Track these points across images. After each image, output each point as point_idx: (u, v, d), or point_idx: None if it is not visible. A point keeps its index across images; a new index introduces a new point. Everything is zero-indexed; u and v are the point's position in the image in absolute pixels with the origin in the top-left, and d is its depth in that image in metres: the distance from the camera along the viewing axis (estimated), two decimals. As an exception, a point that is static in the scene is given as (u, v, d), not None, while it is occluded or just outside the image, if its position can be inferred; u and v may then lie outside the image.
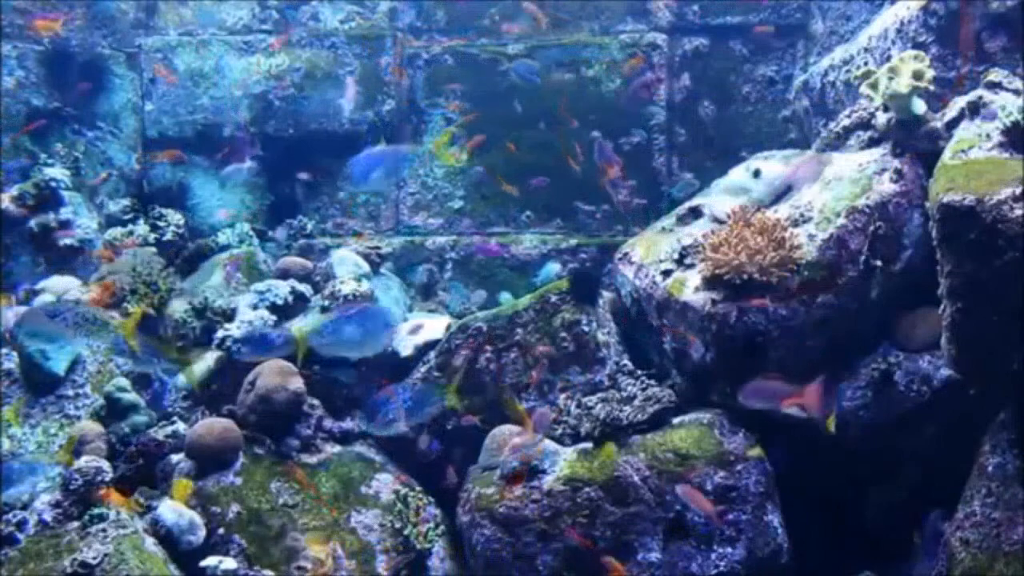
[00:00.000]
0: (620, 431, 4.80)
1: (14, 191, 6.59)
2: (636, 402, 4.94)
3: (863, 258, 4.67)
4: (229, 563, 4.76)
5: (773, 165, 5.25)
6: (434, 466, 5.41)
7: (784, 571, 4.65)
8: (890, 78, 4.86)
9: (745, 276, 4.59)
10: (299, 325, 5.68)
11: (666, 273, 4.98)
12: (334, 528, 5.11)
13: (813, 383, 4.11)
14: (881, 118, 5.08)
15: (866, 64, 5.40)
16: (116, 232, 6.74)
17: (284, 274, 6.10)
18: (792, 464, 4.74)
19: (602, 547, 4.61)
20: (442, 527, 5.12)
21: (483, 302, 6.71)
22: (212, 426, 5.21)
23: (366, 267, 6.17)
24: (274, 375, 5.32)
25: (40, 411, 5.26)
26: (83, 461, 4.82)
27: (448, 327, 5.63)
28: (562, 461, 4.81)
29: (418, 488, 5.30)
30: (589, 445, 4.86)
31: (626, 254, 5.45)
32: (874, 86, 4.95)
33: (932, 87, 4.80)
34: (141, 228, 6.74)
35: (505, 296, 6.60)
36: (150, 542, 4.71)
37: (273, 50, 6.96)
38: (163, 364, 5.29)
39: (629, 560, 4.61)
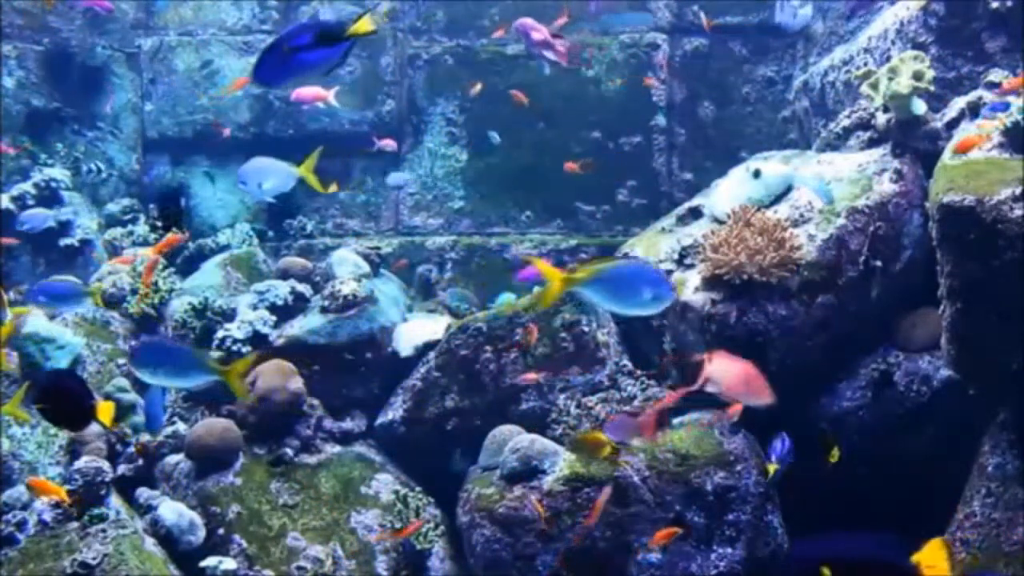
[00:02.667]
0: (670, 412, 4.78)
1: (14, 191, 6.60)
2: (636, 402, 4.94)
3: (863, 258, 4.67)
4: (229, 563, 4.76)
5: (773, 165, 5.25)
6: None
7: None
8: (890, 78, 4.86)
9: (745, 276, 4.59)
10: (299, 324, 5.69)
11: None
12: (334, 528, 5.11)
13: (648, 415, 4.40)
14: (881, 118, 5.09)
15: (866, 64, 5.40)
16: (116, 232, 6.74)
17: (284, 274, 6.10)
18: (792, 464, 4.74)
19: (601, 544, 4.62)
20: (442, 527, 5.12)
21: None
22: (212, 426, 5.21)
23: (366, 267, 6.17)
24: (274, 375, 5.32)
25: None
26: (83, 461, 4.81)
27: (448, 327, 5.63)
28: (562, 461, 4.81)
29: (418, 488, 5.30)
30: (589, 445, 4.86)
31: (626, 254, 5.45)
32: (874, 86, 4.95)
33: (932, 87, 4.81)
34: (141, 228, 6.74)
35: (504, 296, 6.60)
36: (150, 542, 4.71)
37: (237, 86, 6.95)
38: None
39: (629, 560, 4.61)
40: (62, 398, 3.43)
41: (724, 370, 3.77)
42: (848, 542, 2.92)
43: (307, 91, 6.19)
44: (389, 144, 6.98)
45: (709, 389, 3.77)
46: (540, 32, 5.28)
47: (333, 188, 3.68)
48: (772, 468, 4.28)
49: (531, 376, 5.22)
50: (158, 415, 5.10)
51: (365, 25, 2.82)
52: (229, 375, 3.61)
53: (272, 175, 4.26)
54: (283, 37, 2.88)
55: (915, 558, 2.49)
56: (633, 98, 7.16)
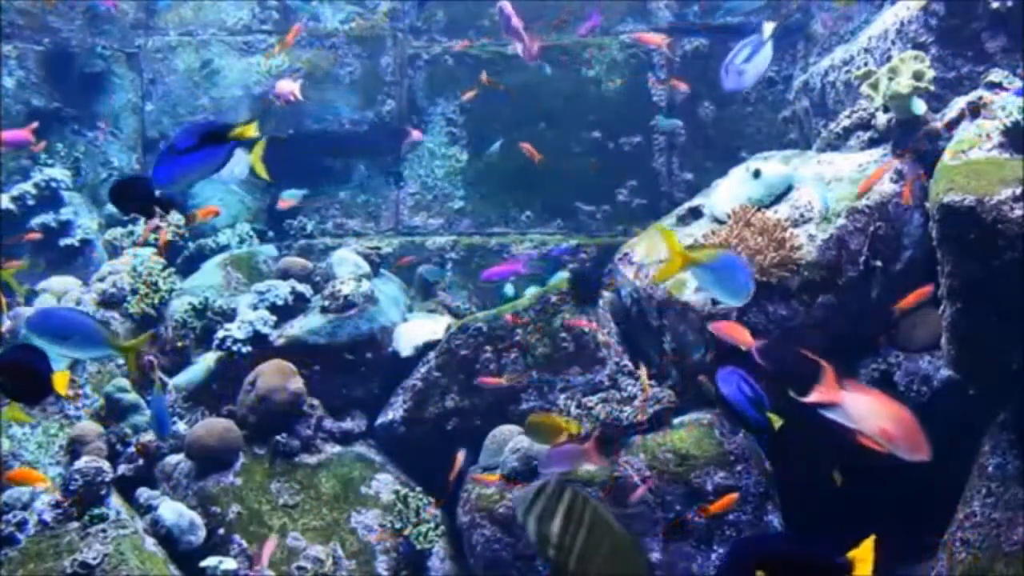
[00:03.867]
0: (620, 431, 4.80)
1: (14, 191, 6.60)
2: (636, 402, 4.94)
3: (863, 258, 4.67)
4: (229, 563, 4.76)
5: (773, 165, 5.25)
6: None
7: (784, 571, 4.64)
8: (890, 78, 4.86)
9: (745, 276, 4.59)
10: (299, 324, 5.69)
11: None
12: (334, 528, 5.11)
13: (589, 442, 4.34)
14: (881, 118, 5.09)
15: (866, 64, 5.40)
16: (116, 232, 6.74)
17: (284, 274, 6.10)
18: (792, 464, 4.74)
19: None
20: (442, 527, 5.12)
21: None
22: (212, 426, 5.21)
23: (366, 267, 6.17)
24: (274, 375, 5.33)
25: (40, 411, 5.25)
26: (83, 461, 4.81)
27: (448, 327, 5.63)
28: (562, 461, 4.81)
29: (418, 488, 5.30)
30: (589, 445, 4.86)
31: (626, 254, 5.45)
32: (874, 86, 4.95)
33: (932, 87, 4.81)
34: (141, 228, 6.74)
35: (509, 288, 6.60)
36: (150, 542, 4.71)
37: (286, 45, 6.96)
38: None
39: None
40: (19, 372, 3.39)
41: (870, 407, 3.26)
42: (783, 543, 2.92)
43: (282, 85, 6.37)
44: (417, 136, 7.00)
45: (836, 418, 3.30)
46: (518, 21, 5.43)
47: (265, 177, 3.82)
48: (776, 420, 4.05)
49: (492, 380, 5.20)
50: (165, 420, 5.09)
51: (249, 131, 3.04)
52: (125, 350, 3.66)
53: (236, 162, 4.35)
54: (171, 141, 3.05)
55: (848, 555, 2.49)
56: (633, 98, 7.17)
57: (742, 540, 4.39)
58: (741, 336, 4.14)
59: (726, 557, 3.88)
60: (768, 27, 4.38)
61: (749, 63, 4.29)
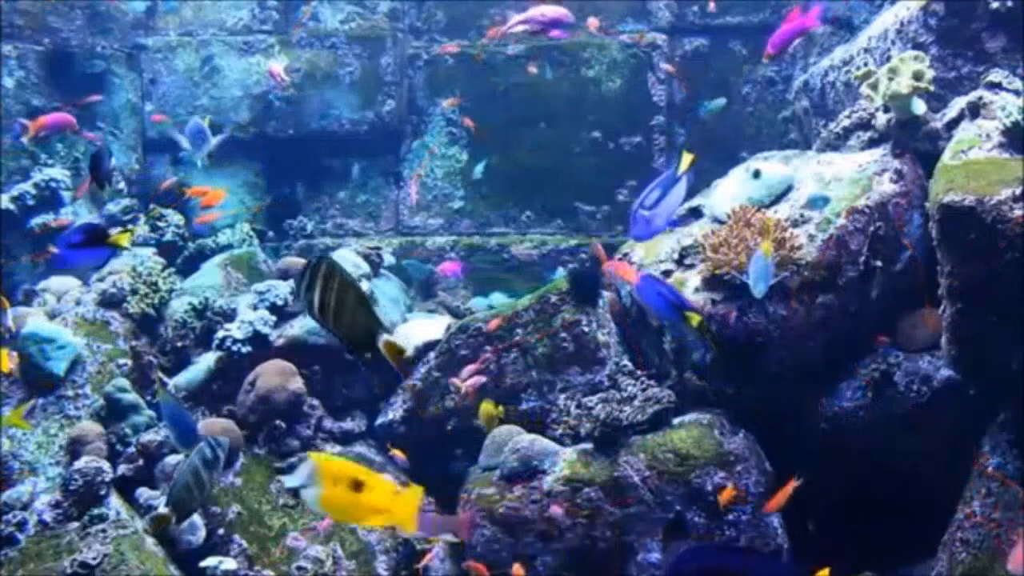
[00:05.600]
0: (620, 431, 4.80)
1: (14, 191, 6.59)
2: (636, 402, 4.93)
3: (863, 258, 4.67)
4: (229, 563, 4.77)
5: (773, 165, 5.25)
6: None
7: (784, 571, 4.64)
8: (890, 78, 4.86)
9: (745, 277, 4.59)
10: (299, 324, 5.69)
11: (666, 273, 4.98)
12: (334, 528, 5.11)
13: (465, 514, 4.60)
14: (881, 118, 5.09)
15: (866, 64, 5.39)
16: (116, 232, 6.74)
17: (284, 274, 6.10)
18: (792, 464, 4.74)
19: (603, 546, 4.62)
20: (442, 527, 5.12)
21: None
22: (212, 426, 5.21)
23: (366, 267, 6.17)
24: (274, 375, 5.33)
25: (40, 411, 5.25)
26: (83, 461, 4.82)
27: (448, 327, 5.63)
28: (562, 461, 4.81)
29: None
30: (589, 445, 4.86)
31: (626, 254, 5.45)
32: (874, 86, 4.95)
33: (932, 87, 4.81)
34: (141, 228, 6.74)
35: (496, 296, 6.61)
36: (150, 542, 4.72)
37: (294, 37, 7.00)
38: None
39: (629, 560, 4.61)
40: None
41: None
42: (728, 555, 2.92)
43: (272, 65, 6.74)
44: (468, 123, 7.09)
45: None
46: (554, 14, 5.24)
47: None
48: (697, 319, 4.16)
49: (468, 380, 5.21)
50: (188, 428, 4.65)
51: (122, 240, 3.76)
52: None
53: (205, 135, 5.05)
54: (65, 235, 3.76)
55: None
56: (633, 98, 7.17)
57: (687, 550, 4.40)
58: (628, 275, 4.30)
59: (669, 570, 3.86)
60: (685, 160, 4.26)
61: (659, 206, 4.09)
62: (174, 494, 3.89)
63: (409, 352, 5.67)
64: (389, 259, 6.76)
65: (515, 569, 4.44)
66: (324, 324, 2.72)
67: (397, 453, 5.20)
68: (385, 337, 2.76)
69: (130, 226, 3.70)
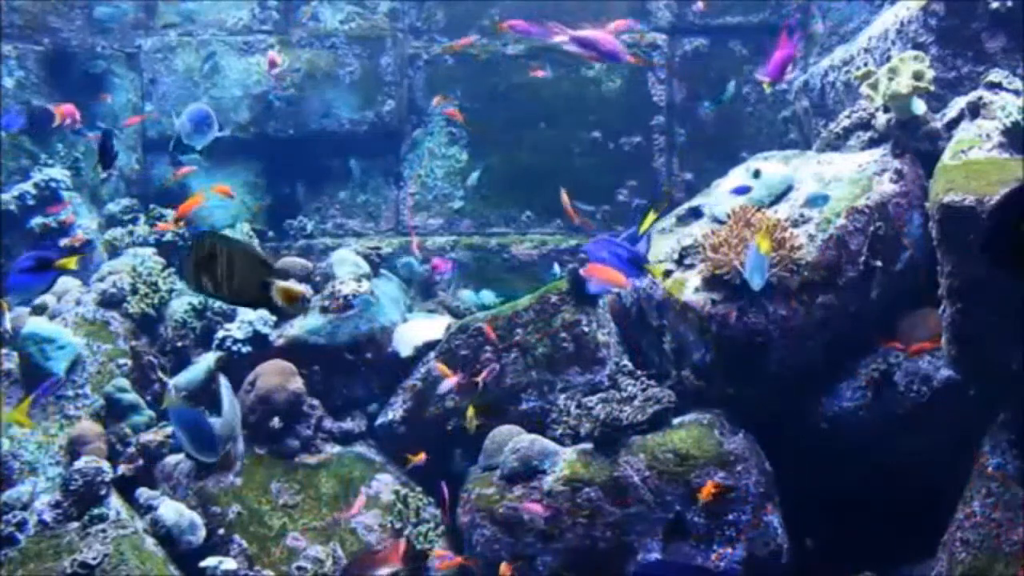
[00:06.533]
0: (620, 431, 4.80)
1: (14, 191, 6.59)
2: (636, 403, 4.93)
3: (863, 258, 4.67)
4: (229, 563, 4.77)
5: (773, 165, 5.25)
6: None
7: (784, 571, 4.65)
8: (890, 78, 4.86)
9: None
10: (299, 324, 5.69)
11: (666, 273, 4.98)
12: (334, 528, 5.11)
13: (398, 546, 4.72)
14: (881, 118, 5.09)
15: (866, 64, 5.40)
16: (116, 232, 6.74)
17: (284, 274, 6.09)
18: (792, 464, 4.74)
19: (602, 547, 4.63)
20: (442, 527, 5.12)
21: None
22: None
23: (366, 267, 6.17)
24: (274, 375, 5.33)
25: (40, 411, 5.25)
26: (83, 461, 4.82)
27: (448, 327, 5.63)
28: (562, 461, 4.81)
29: (418, 488, 5.30)
30: (589, 445, 4.86)
31: (626, 254, 5.45)
32: (874, 86, 4.95)
33: (932, 87, 4.81)
34: (141, 228, 6.73)
35: (486, 293, 6.62)
36: (150, 542, 4.72)
37: (294, 37, 7.02)
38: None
39: (629, 560, 4.61)
40: None
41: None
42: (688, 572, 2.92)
43: (272, 55, 6.89)
44: (455, 115, 7.09)
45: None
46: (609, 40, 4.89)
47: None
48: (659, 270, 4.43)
49: (452, 379, 5.21)
50: (212, 438, 4.33)
51: (69, 263, 3.88)
52: None
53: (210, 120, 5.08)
54: (18, 262, 3.91)
55: None
56: (633, 98, 7.17)
57: (647, 565, 4.47)
58: (615, 279, 4.30)
59: None
60: (648, 219, 4.44)
61: (621, 246, 4.32)
62: None
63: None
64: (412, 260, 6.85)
65: (503, 568, 4.44)
66: (219, 298, 2.70)
67: (415, 459, 5.15)
68: (278, 284, 2.54)
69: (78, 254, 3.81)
